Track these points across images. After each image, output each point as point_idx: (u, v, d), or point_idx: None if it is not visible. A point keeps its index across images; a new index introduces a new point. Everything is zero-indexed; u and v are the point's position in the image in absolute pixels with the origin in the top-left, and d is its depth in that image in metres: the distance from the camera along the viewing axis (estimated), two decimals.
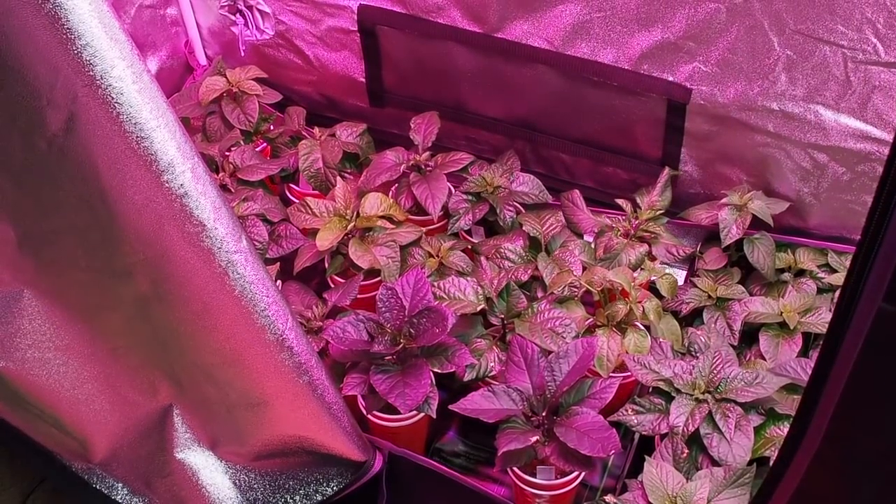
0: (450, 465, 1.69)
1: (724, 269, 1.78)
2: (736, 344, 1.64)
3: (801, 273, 1.77)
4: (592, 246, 1.75)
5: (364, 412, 1.58)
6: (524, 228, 1.75)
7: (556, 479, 1.49)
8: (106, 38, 1.00)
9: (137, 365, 1.34)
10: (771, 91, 1.65)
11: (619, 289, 1.60)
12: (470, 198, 1.83)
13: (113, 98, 1.02)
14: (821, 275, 1.75)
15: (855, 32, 1.52)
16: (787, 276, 1.76)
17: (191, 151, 1.11)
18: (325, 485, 1.51)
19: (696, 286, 1.73)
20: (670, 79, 1.72)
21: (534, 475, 1.49)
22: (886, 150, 1.59)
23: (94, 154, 1.06)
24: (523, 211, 1.82)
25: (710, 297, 1.71)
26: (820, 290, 1.73)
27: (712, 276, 1.76)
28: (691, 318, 1.73)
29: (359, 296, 1.67)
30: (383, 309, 1.53)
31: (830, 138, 1.66)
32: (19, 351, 1.30)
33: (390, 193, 1.90)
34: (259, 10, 2.08)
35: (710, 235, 1.84)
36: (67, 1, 0.96)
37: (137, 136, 1.05)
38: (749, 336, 1.68)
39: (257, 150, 1.96)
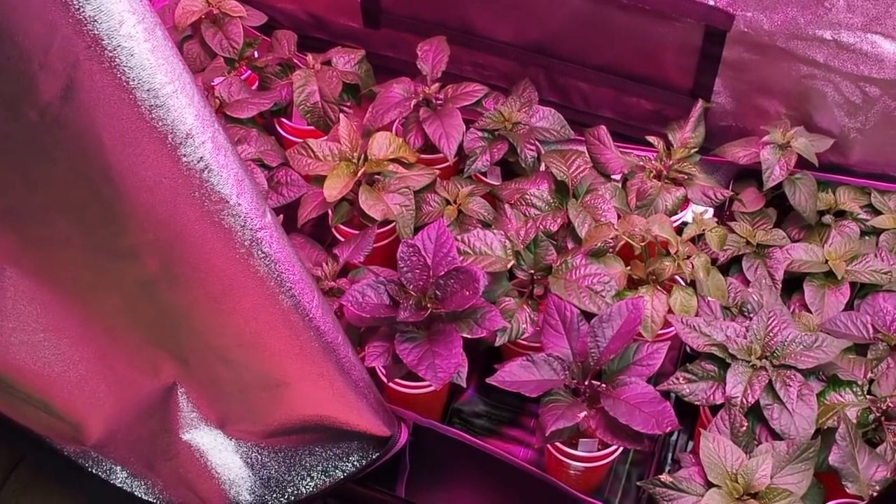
0: (471, 427, 1.58)
1: (760, 212, 1.65)
2: (778, 294, 1.53)
3: (841, 214, 1.65)
4: (623, 189, 1.60)
5: (384, 380, 1.45)
6: (551, 171, 1.58)
7: (599, 450, 1.38)
8: None
9: (137, 344, 1.21)
10: (825, 18, 1.49)
11: (660, 240, 1.46)
12: (486, 135, 1.65)
13: (122, 61, 0.84)
14: (863, 216, 1.63)
15: None
16: (827, 218, 1.64)
17: (210, 117, 0.94)
18: (345, 460, 1.39)
19: (733, 231, 1.59)
20: (711, 3, 1.55)
21: (575, 447, 1.38)
22: None
23: (98, 125, 0.89)
24: (542, 150, 1.66)
25: (748, 243, 1.58)
26: (863, 233, 1.62)
27: (749, 220, 1.63)
28: (727, 266, 1.61)
29: None
30: (405, 269, 1.38)
31: (886, 70, 1.51)
32: (2, 335, 1.16)
33: (393, 128, 1.72)
34: None
35: (741, 173, 1.70)
36: None
37: (150, 104, 0.87)
38: (789, 284, 1.57)
39: (242, 78, 1.76)
